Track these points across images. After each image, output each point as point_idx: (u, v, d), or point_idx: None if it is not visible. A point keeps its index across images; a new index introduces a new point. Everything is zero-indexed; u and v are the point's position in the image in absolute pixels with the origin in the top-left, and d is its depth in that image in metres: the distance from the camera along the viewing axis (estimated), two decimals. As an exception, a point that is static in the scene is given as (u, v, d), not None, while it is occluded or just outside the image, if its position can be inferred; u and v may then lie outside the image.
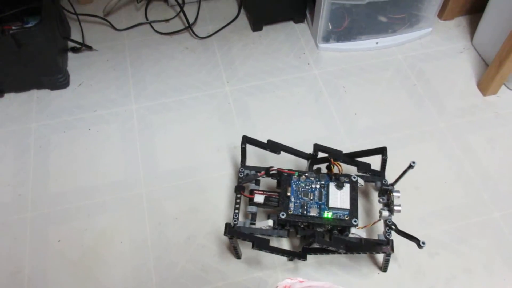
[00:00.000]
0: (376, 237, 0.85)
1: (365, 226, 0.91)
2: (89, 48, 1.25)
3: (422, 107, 1.15)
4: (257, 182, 0.91)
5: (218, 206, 0.99)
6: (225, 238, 0.94)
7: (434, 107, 1.15)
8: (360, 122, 1.12)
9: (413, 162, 0.81)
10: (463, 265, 0.91)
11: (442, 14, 1.33)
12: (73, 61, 1.24)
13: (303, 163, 0.97)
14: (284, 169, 0.87)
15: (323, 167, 0.90)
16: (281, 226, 0.84)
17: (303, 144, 1.07)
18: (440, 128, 1.11)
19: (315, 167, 0.91)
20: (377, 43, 1.27)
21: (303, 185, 0.85)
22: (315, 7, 1.22)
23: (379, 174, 0.90)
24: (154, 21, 1.33)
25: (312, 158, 0.91)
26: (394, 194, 0.85)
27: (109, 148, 1.08)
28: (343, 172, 0.86)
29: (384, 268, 0.90)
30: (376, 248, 0.81)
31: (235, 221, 0.86)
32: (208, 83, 1.20)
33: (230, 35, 1.30)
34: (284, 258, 0.92)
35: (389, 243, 0.80)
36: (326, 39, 1.26)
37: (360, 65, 1.24)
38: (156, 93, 1.18)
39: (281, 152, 0.92)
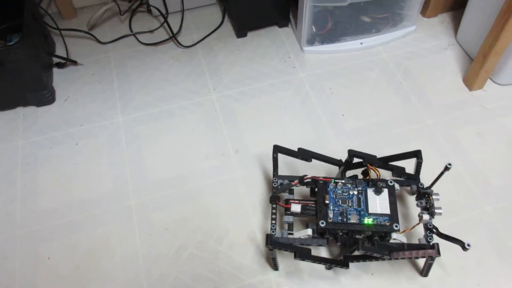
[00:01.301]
0: (416, 242, 0.83)
1: (404, 231, 0.88)
2: (74, 62, 1.25)
3: (409, 105, 1.15)
4: (290, 191, 0.90)
5: (209, 214, 0.98)
6: (217, 246, 0.93)
7: (421, 104, 1.15)
8: (348, 123, 1.12)
9: (449, 164, 0.80)
10: (458, 262, 0.90)
11: (425, 11, 1.33)
12: (59, 77, 1.24)
13: (332, 170, 0.97)
14: (319, 176, 0.85)
15: (356, 172, 0.89)
16: (320, 234, 0.82)
17: (292, 148, 1.07)
18: (428, 126, 1.11)
19: (347, 173, 0.90)
20: (361, 43, 1.27)
21: (340, 192, 0.83)
22: (298, 11, 1.22)
23: (414, 178, 0.89)
24: (138, 33, 1.33)
25: (345, 164, 0.90)
26: (434, 197, 0.83)
27: (97, 161, 1.07)
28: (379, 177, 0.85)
29: (426, 272, 0.88)
30: (421, 253, 0.79)
31: (273, 232, 0.83)
32: (194, 91, 1.20)
33: (215, 42, 1.31)
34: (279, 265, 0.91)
35: (434, 247, 0.79)
36: (311, 42, 1.26)
37: (345, 66, 1.24)
38: (143, 104, 1.17)
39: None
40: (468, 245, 0.76)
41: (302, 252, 0.79)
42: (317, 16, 1.20)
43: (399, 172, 0.88)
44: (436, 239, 0.81)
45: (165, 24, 1.32)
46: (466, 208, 0.97)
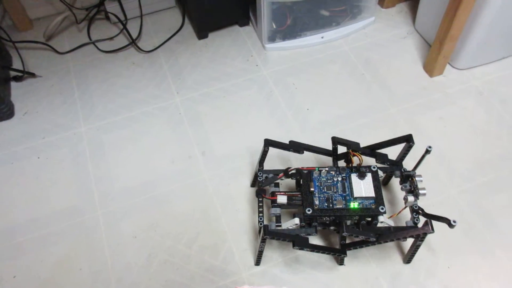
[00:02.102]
0: (404, 225, 0.84)
1: (392, 216, 0.90)
2: (32, 75, 1.22)
3: (372, 95, 1.16)
4: (276, 185, 0.89)
5: (178, 218, 0.97)
6: (187, 250, 0.92)
7: (384, 93, 1.16)
8: (313, 117, 1.12)
9: (429, 147, 0.81)
10: (426, 246, 0.91)
11: (383, 2, 1.35)
12: (17, 90, 1.20)
13: (324, 161, 0.98)
14: (303, 167, 0.86)
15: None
16: (307, 223, 0.83)
17: (259, 146, 1.07)
18: (392, 114, 1.12)
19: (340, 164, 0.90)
20: (322, 37, 1.27)
21: (324, 179, 0.84)
22: (256, 9, 1.22)
23: (397, 164, 0.90)
24: (98, 40, 1.30)
25: (336, 154, 0.91)
26: (417, 179, 0.84)
27: (61, 174, 1.05)
28: (362, 164, 0.86)
29: (410, 258, 0.89)
30: (414, 231, 0.78)
31: (260, 224, 0.84)
32: (157, 96, 1.18)
33: (176, 45, 1.29)
34: (250, 264, 0.90)
35: (427, 223, 0.78)
36: (272, 39, 1.26)
37: (308, 61, 1.24)
38: (106, 113, 1.15)
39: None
40: (454, 221, 0.76)
41: (300, 241, 0.79)
42: (276, 12, 1.20)
43: (382, 158, 0.89)
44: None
45: (125, 30, 1.30)
46: (433, 192, 0.98)
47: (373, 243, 0.81)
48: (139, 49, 1.28)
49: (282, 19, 1.23)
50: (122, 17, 1.31)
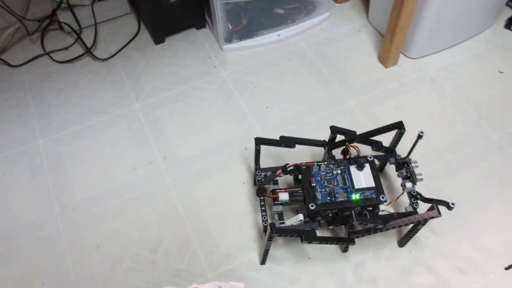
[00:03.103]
0: (403, 211, 0.84)
1: (390, 202, 0.91)
2: (-15, 90, 1.19)
3: (330, 89, 1.18)
4: (275, 183, 0.89)
5: (141, 225, 0.96)
6: (152, 256, 0.91)
7: (342, 87, 1.18)
8: (273, 114, 1.13)
9: (422, 132, 0.83)
10: (384, 235, 0.93)
11: (336, -3, 1.37)
12: (-30, 107, 1.17)
13: (315, 154, 0.98)
14: (301, 162, 0.85)
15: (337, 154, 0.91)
16: (311, 218, 0.83)
17: (220, 146, 1.08)
18: (350, 106, 1.14)
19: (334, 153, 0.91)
20: (279, 35, 1.28)
21: (324, 173, 0.85)
22: (211, 11, 1.22)
23: (391, 151, 0.91)
24: (52, 51, 1.28)
25: (329, 144, 0.91)
26: (413, 165, 0.85)
27: (19, 189, 1.02)
28: (359, 155, 0.87)
29: (405, 242, 0.90)
30: (418, 217, 0.79)
31: (265, 223, 0.83)
32: (116, 103, 1.17)
33: (133, 52, 1.28)
34: (216, 265, 0.90)
35: (434, 208, 0.79)
36: (229, 40, 1.26)
37: (265, 59, 1.25)
38: (63, 124, 1.13)
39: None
40: (453, 204, 0.78)
41: (308, 235, 0.79)
42: (230, 13, 1.21)
43: (377, 146, 0.90)
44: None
45: (79, 40, 1.28)
46: (391, 182, 1.00)
47: (380, 230, 0.82)
48: (95, 57, 1.26)
49: (237, 20, 1.23)
50: (76, 27, 1.29)
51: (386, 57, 1.19)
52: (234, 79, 1.21)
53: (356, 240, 0.84)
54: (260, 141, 0.90)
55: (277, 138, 0.89)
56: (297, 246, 0.92)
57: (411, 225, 0.85)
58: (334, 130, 0.89)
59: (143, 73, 1.23)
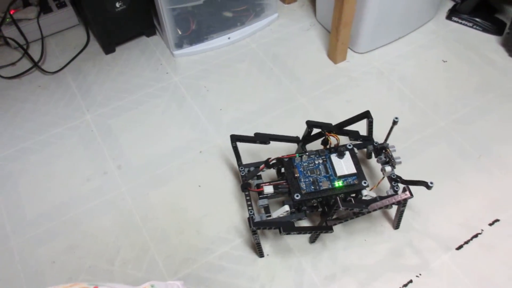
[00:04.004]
0: (385, 194, 0.86)
1: (372, 188, 0.94)
2: None
3: (282, 88, 1.19)
4: (258, 177, 0.91)
5: (97, 236, 0.95)
6: (109, 267, 0.90)
7: (293, 85, 1.20)
8: (227, 116, 1.14)
9: (396, 118, 0.86)
10: (341, 228, 0.94)
11: (284, -2, 1.40)
12: None
13: (290, 149, 0.99)
14: (283, 155, 0.87)
15: (314, 144, 0.94)
16: (297, 209, 0.85)
17: (175, 151, 1.08)
18: (302, 103, 1.16)
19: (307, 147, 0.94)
20: (229, 38, 1.30)
21: (306, 164, 0.87)
22: (159, 17, 1.22)
23: (369, 139, 0.93)
24: (-1, 68, 1.26)
25: (303, 138, 0.93)
26: (390, 149, 0.89)
27: (-32, 210, 0.99)
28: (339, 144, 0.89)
29: (398, 224, 0.92)
30: (396, 198, 0.82)
31: (252, 218, 0.84)
32: (67, 116, 1.15)
33: (83, 63, 1.27)
34: (175, 269, 0.90)
35: (405, 190, 0.82)
36: (179, 45, 1.27)
37: (217, 63, 1.26)
38: (13, 140, 1.11)
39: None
40: (431, 183, 0.80)
41: (286, 226, 0.80)
42: (178, 18, 1.21)
43: (355, 135, 0.93)
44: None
45: (26, 55, 1.26)
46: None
47: (362, 214, 0.85)
48: (44, 71, 1.24)
49: (186, 25, 1.24)
50: (22, 41, 1.27)
51: (334, 53, 1.22)
52: (187, 84, 1.21)
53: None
54: (236, 138, 0.92)
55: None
56: (263, 243, 0.92)
57: (395, 208, 0.89)
58: (310, 124, 0.92)
59: (94, 83, 1.22)
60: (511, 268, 0.88)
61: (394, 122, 0.87)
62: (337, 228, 0.94)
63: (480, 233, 0.93)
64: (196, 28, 1.25)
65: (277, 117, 1.13)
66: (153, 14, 1.29)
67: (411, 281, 0.87)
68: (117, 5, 1.19)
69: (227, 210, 0.98)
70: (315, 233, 0.90)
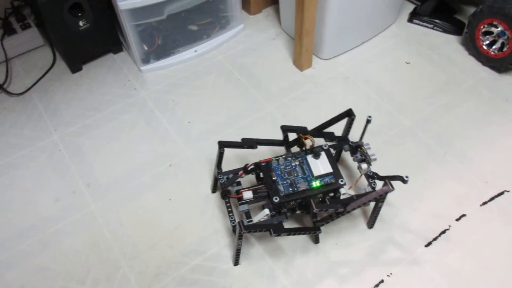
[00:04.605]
0: (363, 192, 0.87)
1: (351, 187, 0.96)
2: None
3: (249, 98, 1.20)
4: (238, 184, 0.92)
5: (67, 256, 0.93)
6: (80, 286, 0.89)
7: (260, 94, 1.21)
8: (195, 128, 1.14)
9: (369, 116, 0.89)
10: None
11: (249, 9, 1.41)
12: None
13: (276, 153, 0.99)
14: (260, 160, 0.88)
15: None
16: (277, 211, 0.86)
17: (144, 166, 1.07)
18: (270, 111, 1.17)
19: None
20: (195, 51, 1.30)
21: (283, 166, 0.88)
22: (124, 34, 1.23)
23: (344, 139, 0.95)
24: (-37, 92, 1.24)
25: (286, 142, 0.94)
26: (365, 147, 0.90)
27: None
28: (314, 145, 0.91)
29: (373, 223, 0.94)
30: (377, 192, 0.83)
31: (233, 223, 0.85)
32: (34, 137, 1.14)
33: (50, 83, 1.26)
34: (147, 285, 0.89)
35: (386, 183, 0.83)
36: (146, 61, 1.27)
37: (184, 76, 1.26)
38: (-21, 164, 1.09)
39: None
40: (407, 177, 0.82)
41: (276, 228, 0.81)
42: (143, 34, 1.22)
43: (330, 136, 0.94)
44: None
45: (-8, 77, 1.25)
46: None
47: (342, 213, 0.85)
48: (10, 93, 1.23)
49: (152, 40, 1.24)
50: (-14, 64, 1.26)
51: (299, 61, 1.24)
52: (155, 99, 1.21)
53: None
54: (223, 144, 0.92)
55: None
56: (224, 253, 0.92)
57: (373, 205, 0.90)
58: (285, 129, 0.93)
59: (62, 103, 1.21)
60: (479, 261, 0.89)
61: (368, 121, 0.89)
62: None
63: (447, 229, 0.94)
64: (162, 43, 1.26)
65: (245, 126, 1.14)
66: (118, 31, 1.29)
67: (382, 281, 0.88)
68: (81, 24, 1.19)
69: (199, 221, 0.97)
70: (309, 233, 0.91)
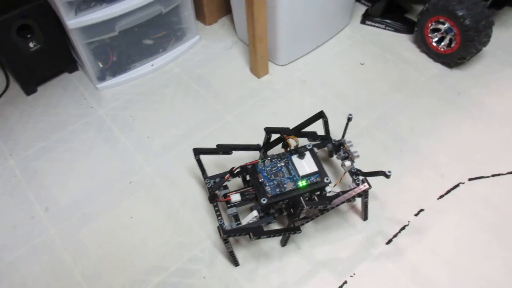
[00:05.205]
0: (348, 189, 0.88)
1: (335, 184, 0.99)
2: None
3: (208, 108, 1.20)
4: (225, 188, 0.93)
5: (28, 284, 0.91)
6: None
7: (219, 104, 1.21)
8: (155, 143, 1.13)
9: (350, 114, 0.91)
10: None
11: (205, 20, 1.42)
12: None
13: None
14: (246, 163, 0.89)
15: (275, 150, 0.97)
16: (265, 213, 0.87)
17: (104, 186, 1.06)
18: (229, 120, 1.17)
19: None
20: (152, 65, 1.30)
21: (269, 168, 0.89)
22: (77, 52, 1.21)
23: (326, 138, 0.97)
24: None
25: (264, 145, 0.95)
26: (347, 144, 0.92)
27: None
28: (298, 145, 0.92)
29: (365, 215, 0.95)
30: (356, 190, 0.85)
31: (222, 226, 0.85)
32: (-11, 164, 1.11)
33: (4, 107, 1.23)
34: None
35: (364, 183, 0.85)
36: (102, 78, 1.26)
37: (142, 91, 1.25)
38: None
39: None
40: (389, 172, 0.84)
41: (256, 231, 0.82)
42: (97, 51, 1.20)
43: (313, 136, 0.96)
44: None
45: None
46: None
47: (327, 210, 0.87)
48: (-38, 121, 1.20)
49: (106, 57, 1.23)
50: None
51: (256, 68, 1.25)
52: (112, 116, 1.20)
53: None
54: (199, 151, 0.93)
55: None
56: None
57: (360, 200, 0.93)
58: (269, 131, 0.95)
59: (17, 126, 1.19)
60: (438, 255, 0.91)
61: (349, 119, 0.92)
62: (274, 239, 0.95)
63: (407, 225, 0.96)
64: (117, 59, 1.25)
65: (205, 137, 1.14)
66: (71, 49, 1.27)
67: (345, 282, 0.88)
68: (31, 45, 1.17)
69: (161, 237, 0.97)
70: (285, 235, 0.91)
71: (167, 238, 0.96)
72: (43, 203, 1.03)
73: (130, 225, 0.99)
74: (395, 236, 0.94)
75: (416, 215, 0.97)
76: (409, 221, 0.96)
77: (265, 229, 0.87)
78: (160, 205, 1.02)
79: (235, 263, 0.91)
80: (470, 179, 1.03)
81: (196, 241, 0.96)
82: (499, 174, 1.03)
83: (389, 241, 0.94)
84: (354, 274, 0.89)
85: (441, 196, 1.00)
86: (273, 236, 0.87)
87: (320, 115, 0.96)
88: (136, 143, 1.14)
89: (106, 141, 1.14)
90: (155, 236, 0.97)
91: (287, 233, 0.90)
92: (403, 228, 0.95)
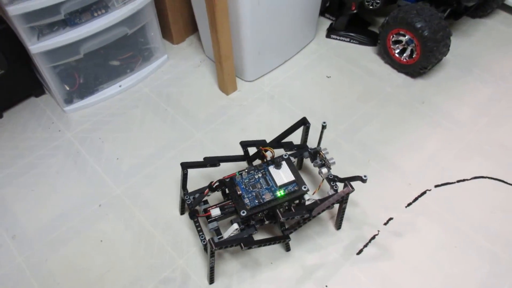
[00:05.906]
0: (327, 195, 0.88)
1: (314, 192, 1.01)
2: None
3: (177, 127, 1.20)
4: (205, 202, 0.93)
5: (-6, 317, 0.89)
6: None
7: (188, 122, 1.21)
8: (124, 164, 1.13)
9: (324, 122, 0.93)
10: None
11: (172, 39, 1.43)
12: None
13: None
14: (224, 176, 0.90)
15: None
16: (246, 225, 0.87)
17: (72, 210, 1.05)
18: (198, 138, 1.17)
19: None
20: (120, 86, 1.30)
21: (247, 180, 0.90)
22: (42, 76, 1.20)
23: (302, 147, 0.99)
24: None
25: (248, 156, 0.95)
26: (323, 152, 0.94)
27: None
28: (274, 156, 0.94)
29: (339, 224, 0.96)
30: (339, 194, 0.85)
31: (203, 242, 0.88)
32: (-48, 193, 1.09)
33: (-31, 135, 1.21)
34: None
35: (346, 185, 0.87)
36: (69, 101, 1.25)
37: (110, 112, 1.25)
38: None
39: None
40: (365, 176, 0.85)
41: (247, 241, 0.82)
42: (63, 74, 1.20)
43: (289, 146, 0.97)
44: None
45: None
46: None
47: (308, 219, 0.88)
48: None
49: (72, 80, 1.22)
50: None
51: (224, 85, 1.26)
52: (81, 139, 1.19)
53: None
54: (187, 165, 0.93)
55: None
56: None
57: (337, 206, 0.93)
58: (244, 144, 0.96)
59: (-18, 154, 1.16)
60: (407, 263, 0.93)
61: (323, 127, 0.93)
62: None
63: (377, 234, 0.97)
64: (84, 81, 1.24)
65: (175, 156, 1.14)
66: (36, 73, 1.26)
67: (318, 295, 0.89)
68: (-5, 71, 1.16)
69: (132, 260, 0.95)
70: (278, 242, 0.92)
71: (138, 261, 0.95)
72: (10, 231, 1.01)
73: (100, 250, 0.97)
74: (365, 246, 0.95)
75: (385, 224, 0.99)
76: (378, 230, 0.98)
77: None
78: (130, 227, 1.01)
79: (211, 280, 0.91)
80: (436, 186, 1.05)
81: (168, 261, 0.95)
82: (464, 180, 1.06)
83: (360, 251, 0.95)
84: (326, 286, 0.90)
85: (409, 204, 1.02)
86: (264, 245, 0.88)
87: (303, 121, 0.98)
88: (105, 165, 1.13)
89: (74, 164, 1.13)
90: (126, 259, 0.96)
91: (278, 241, 0.91)
92: (373, 237, 0.97)
